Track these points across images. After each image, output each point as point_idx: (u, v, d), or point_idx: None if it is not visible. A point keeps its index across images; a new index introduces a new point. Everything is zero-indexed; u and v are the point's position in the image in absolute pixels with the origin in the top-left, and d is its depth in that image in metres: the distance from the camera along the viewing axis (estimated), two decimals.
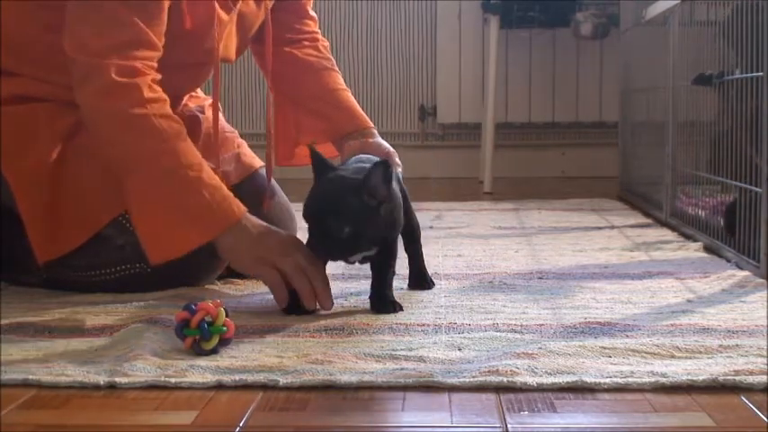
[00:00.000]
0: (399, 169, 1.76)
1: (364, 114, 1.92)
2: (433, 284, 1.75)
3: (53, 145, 1.72)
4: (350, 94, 1.94)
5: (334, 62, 2.00)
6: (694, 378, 1.17)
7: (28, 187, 1.72)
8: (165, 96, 1.63)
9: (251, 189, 1.88)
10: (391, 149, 1.81)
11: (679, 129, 2.57)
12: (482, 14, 4.06)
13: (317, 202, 1.50)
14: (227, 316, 1.32)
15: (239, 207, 1.59)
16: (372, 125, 1.89)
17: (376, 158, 1.62)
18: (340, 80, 1.96)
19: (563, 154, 4.32)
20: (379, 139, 1.85)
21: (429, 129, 4.33)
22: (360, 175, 1.50)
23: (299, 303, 1.54)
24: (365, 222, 1.49)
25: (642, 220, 2.70)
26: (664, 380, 1.16)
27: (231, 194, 1.60)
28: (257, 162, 2.00)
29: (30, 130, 1.73)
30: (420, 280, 1.74)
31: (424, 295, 1.68)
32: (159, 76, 1.64)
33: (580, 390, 1.15)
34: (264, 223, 1.62)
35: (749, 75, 1.93)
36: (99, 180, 1.72)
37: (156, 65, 1.64)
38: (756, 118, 1.88)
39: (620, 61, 3.53)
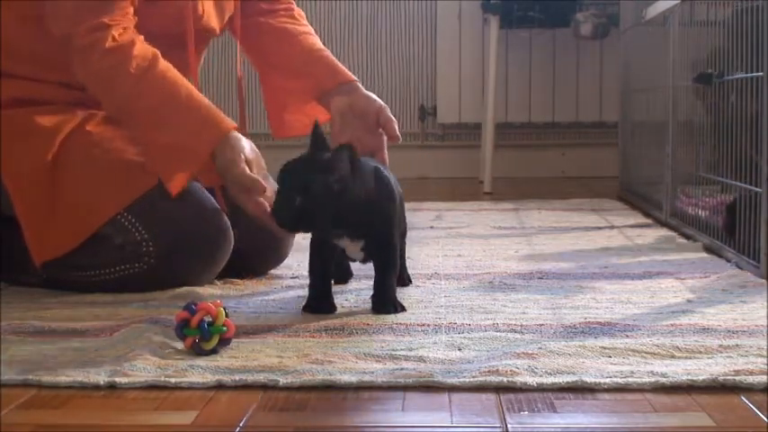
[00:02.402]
0: (395, 125, 1.75)
1: (346, 69, 1.89)
2: (410, 281, 1.76)
3: (50, 147, 1.72)
4: (330, 54, 1.92)
5: (312, 29, 1.99)
6: (694, 378, 1.17)
7: (25, 189, 1.72)
8: (130, 38, 1.68)
9: None
10: (382, 103, 1.79)
11: (679, 129, 2.57)
12: (482, 14, 4.06)
13: (285, 172, 1.50)
14: (227, 316, 1.32)
15: (219, 130, 1.65)
16: (356, 79, 1.86)
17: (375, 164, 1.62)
18: (318, 42, 1.95)
19: (563, 154, 4.32)
20: (366, 92, 1.82)
21: (429, 129, 4.33)
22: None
23: (316, 303, 1.55)
24: (321, 200, 1.47)
25: (642, 220, 2.70)
26: (664, 380, 1.16)
27: (202, 120, 1.66)
28: None
29: (26, 133, 1.74)
30: (398, 277, 1.69)
31: (424, 295, 1.68)
32: (133, 21, 1.70)
33: (580, 390, 1.15)
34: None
35: (749, 75, 1.93)
36: (95, 181, 1.72)
37: (130, 11, 1.70)
38: (757, 118, 1.88)
39: (620, 61, 3.53)
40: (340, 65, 1.89)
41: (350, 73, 1.87)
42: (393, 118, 1.76)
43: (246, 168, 1.63)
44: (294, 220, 1.49)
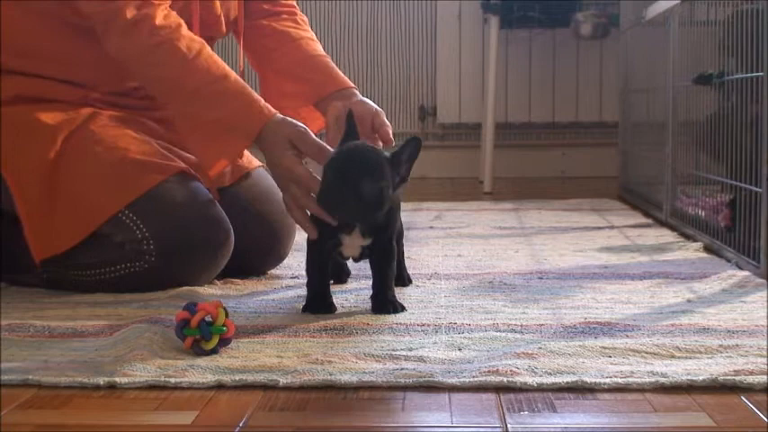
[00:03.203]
0: (390, 129, 1.75)
1: (344, 76, 1.90)
2: (410, 281, 1.77)
3: (52, 145, 1.73)
4: (329, 60, 1.93)
5: (313, 34, 2.00)
6: (694, 378, 1.17)
7: (26, 186, 1.72)
8: (178, 21, 1.71)
9: (245, 188, 1.88)
10: (378, 108, 1.79)
11: (679, 129, 2.57)
12: (482, 14, 4.06)
13: (356, 158, 1.48)
14: (227, 316, 1.32)
15: (269, 111, 1.65)
16: (354, 86, 1.88)
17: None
18: (319, 47, 1.96)
19: (563, 154, 4.32)
20: (364, 98, 1.83)
21: (429, 129, 4.33)
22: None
23: (315, 303, 1.55)
24: (388, 191, 1.49)
25: (642, 220, 2.70)
26: (664, 380, 1.16)
27: (257, 99, 1.67)
28: (255, 162, 1.99)
29: (29, 130, 1.74)
30: (398, 278, 1.70)
31: (424, 295, 1.68)
32: (170, 2, 1.73)
33: (580, 390, 1.15)
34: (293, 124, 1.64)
35: (749, 75, 1.93)
36: (97, 179, 1.72)
37: None
38: (757, 118, 1.88)
39: (620, 61, 3.53)
40: (339, 71, 1.90)
41: (348, 80, 1.89)
42: (387, 123, 1.77)
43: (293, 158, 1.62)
44: (357, 207, 1.46)
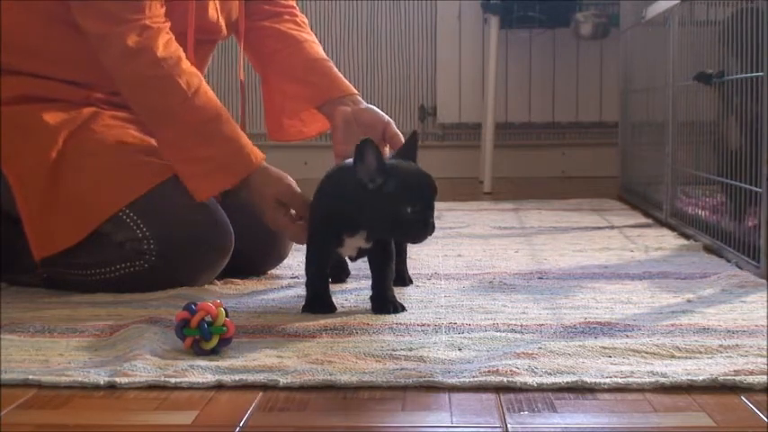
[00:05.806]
0: (402, 139, 1.76)
1: (348, 82, 1.90)
2: (411, 281, 1.77)
3: (54, 144, 1.73)
4: (332, 64, 1.93)
5: (315, 37, 2.00)
6: (694, 378, 1.17)
7: (27, 184, 1.73)
8: (179, 52, 1.71)
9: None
10: (388, 117, 1.80)
11: (679, 129, 2.57)
12: (482, 14, 4.06)
13: (432, 186, 1.59)
14: (227, 316, 1.32)
15: (256, 157, 1.69)
16: (358, 92, 1.88)
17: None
18: (322, 51, 1.96)
19: (563, 154, 4.32)
20: (370, 105, 1.84)
21: (429, 129, 4.33)
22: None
23: (315, 303, 1.55)
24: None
25: (642, 220, 2.70)
26: (664, 380, 1.16)
27: (248, 143, 1.70)
28: None
29: (32, 129, 1.74)
30: (399, 278, 1.70)
31: (424, 295, 1.68)
32: (169, 24, 1.72)
33: (580, 390, 1.15)
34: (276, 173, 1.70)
35: (749, 75, 1.93)
36: (98, 178, 1.73)
37: (162, 11, 1.72)
38: (757, 118, 1.88)
39: (620, 61, 3.53)
40: (342, 77, 1.91)
41: (351, 86, 1.89)
42: (399, 132, 1.77)
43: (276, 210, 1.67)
44: None
